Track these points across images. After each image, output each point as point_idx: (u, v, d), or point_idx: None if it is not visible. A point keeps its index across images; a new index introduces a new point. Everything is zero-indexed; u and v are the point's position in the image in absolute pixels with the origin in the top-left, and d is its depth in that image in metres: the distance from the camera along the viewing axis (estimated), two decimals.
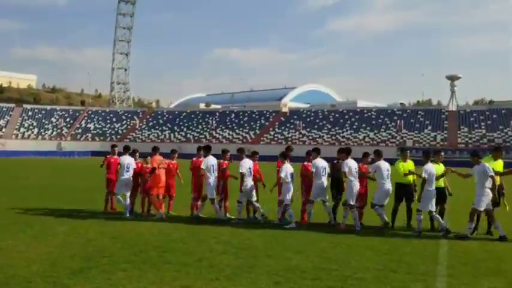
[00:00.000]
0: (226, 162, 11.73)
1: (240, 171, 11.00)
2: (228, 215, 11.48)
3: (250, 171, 11.13)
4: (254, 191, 11.21)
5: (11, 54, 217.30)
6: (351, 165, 10.64)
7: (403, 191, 10.97)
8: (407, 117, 69.10)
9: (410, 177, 11.04)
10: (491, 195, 9.54)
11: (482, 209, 9.57)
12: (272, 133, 72.44)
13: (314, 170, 10.93)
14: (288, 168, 10.84)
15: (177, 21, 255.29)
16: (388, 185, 10.71)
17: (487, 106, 74.94)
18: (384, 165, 10.81)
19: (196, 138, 74.78)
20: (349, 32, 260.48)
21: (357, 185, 10.64)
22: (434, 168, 10.31)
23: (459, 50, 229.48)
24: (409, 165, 11.09)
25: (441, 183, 10.62)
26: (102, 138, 77.22)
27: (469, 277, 6.60)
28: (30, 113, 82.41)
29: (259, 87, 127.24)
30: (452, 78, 72.16)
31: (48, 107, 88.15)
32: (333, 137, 68.17)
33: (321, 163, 11.07)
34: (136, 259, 7.17)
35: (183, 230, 9.75)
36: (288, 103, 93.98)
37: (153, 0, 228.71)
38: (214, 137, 74.43)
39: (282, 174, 10.75)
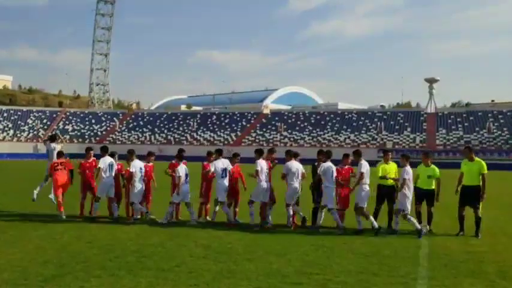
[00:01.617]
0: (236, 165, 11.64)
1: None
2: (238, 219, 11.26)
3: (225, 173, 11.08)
4: (224, 192, 11.08)
5: None
6: (326, 168, 10.53)
7: (385, 192, 10.95)
8: (387, 119, 69.88)
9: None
10: (367, 191, 10.33)
11: (364, 205, 10.24)
12: (253, 135, 72.35)
13: (285, 172, 10.79)
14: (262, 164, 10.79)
15: (159, 23, 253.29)
16: (368, 187, 10.64)
17: (465, 109, 76.35)
18: (410, 171, 10.44)
19: (177, 140, 74.18)
20: (331, 35, 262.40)
21: (333, 189, 10.53)
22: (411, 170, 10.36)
23: (438, 54, 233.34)
24: (392, 167, 11.06)
25: (424, 184, 10.65)
26: (80, 140, 75.93)
27: (450, 279, 6.58)
28: (5, 114, 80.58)
29: (241, 89, 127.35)
30: (431, 81, 73.27)
31: (24, 108, 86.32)
32: (314, 139, 68.46)
33: (295, 165, 10.84)
34: (112, 265, 6.93)
35: (162, 234, 9.52)
36: (270, 105, 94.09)
37: (134, 1, 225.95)
38: (195, 138, 73.97)
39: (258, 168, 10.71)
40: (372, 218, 10.25)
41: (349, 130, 68.92)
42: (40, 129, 78.01)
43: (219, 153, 11.47)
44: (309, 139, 68.82)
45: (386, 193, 10.85)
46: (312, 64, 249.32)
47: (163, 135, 75.83)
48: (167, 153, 65.20)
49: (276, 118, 75.56)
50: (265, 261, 7.41)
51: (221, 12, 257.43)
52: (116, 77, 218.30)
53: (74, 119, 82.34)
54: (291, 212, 10.79)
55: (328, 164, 10.62)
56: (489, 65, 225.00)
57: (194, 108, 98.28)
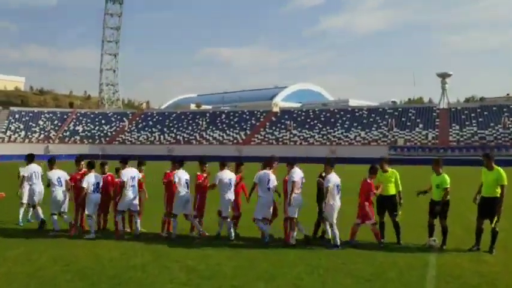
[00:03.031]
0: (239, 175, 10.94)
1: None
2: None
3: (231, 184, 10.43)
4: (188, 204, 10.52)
5: (1, 56, 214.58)
6: (262, 177, 9.92)
7: (385, 203, 10.15)
8: (399, 116, 68.55)
9: (392, 188, 10.16)
10: (300, 201, 9.71)
11: (295, 215, 9.64)
12: (263, 133, 71.61)
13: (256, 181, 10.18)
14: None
15: (167, 21, 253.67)
16: (338, 202, 9.74)
17: (478, 103, 74.62)
18: (336, 179, 9.79)
19: (186, 139, 73.81)
20: (341, 30, 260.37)
21: (266, 199, 9.89)
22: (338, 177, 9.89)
23: (450, 47, 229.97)
24: (390, 175, 10.25)
25: (435, 195, 9.85)
26: (90, 140, 76.03)
27: None
28: (17, 116, 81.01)
29: (251, 86, 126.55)
30: (443, 76, 71.81)
31: (36, 110, 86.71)
32: (324, 137, 67.48)
33: (266, 176, 10.02)
34: None
35: (147, 253, 8.83)
36: (279, 103, 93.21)
37: (141, 0, 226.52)
38: (204, 138, 73.49)
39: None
40: (300, 225, 9.75)
41: (359, 127, 67.74)
42: (51, 130, 78.22)
43: (224, 165, 10.75)
44: (318, 137, 67.85)
45: (387, 204, 10.06)
46: (322, 60, 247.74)
47: (173, 135, 75.49)
48: (176, 153, 65.31)
49: (286, 116, 74.68)
50: (253, 287, 6.71)
51: (230, 8, 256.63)
52: (126, 77, 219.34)
53: (84, 119, 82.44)
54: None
55: (265, 172, 10.00)
56: (503, 57, 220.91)
57: (204, 107, 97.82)
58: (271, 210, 10.14)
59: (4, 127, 77.36)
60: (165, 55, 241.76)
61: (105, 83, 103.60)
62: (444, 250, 9.34)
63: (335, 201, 9.61)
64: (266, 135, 70.99)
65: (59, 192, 10.96)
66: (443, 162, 10.27)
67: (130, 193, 10.60)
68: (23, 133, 76.94)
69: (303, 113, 75.36)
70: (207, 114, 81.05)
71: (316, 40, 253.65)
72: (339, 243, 9.38)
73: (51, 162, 11.34)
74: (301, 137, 68.66)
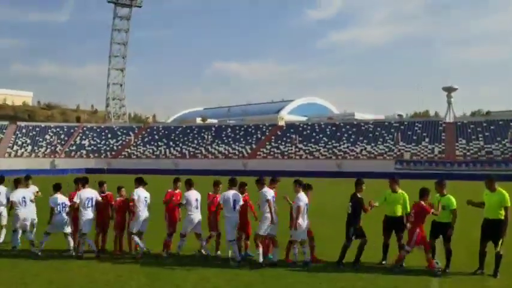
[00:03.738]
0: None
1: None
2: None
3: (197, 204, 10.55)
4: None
5: (11, 71, 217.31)
6: (227, 198, 9.94)
7: (392, 224, 9.99)
8: (405, 130, 68.23)
9: (399, 209, 10.05)
10: (269, 219, 9.56)
11: (262, 233, 9.60)
12: (268, 147, 71.50)
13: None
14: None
15: (175, 36, 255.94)
16: (306, 221, 9.75)
17: (485, 117, 74.19)
18: (305, 198, 9.79)
19: (192, 153, 73.85)
20: (347, 44, 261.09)
21: (233, 220, 9.94)
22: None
23: (456, 61, 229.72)
24: (399, 196, 10.07)
25: (399, 211, 9.80)
26: (96, 155, 76.29)
27: None
28: (24, 131, 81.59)
29: (258, 100, 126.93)
30: (449, 90, 71.52)
31: (43, 124, 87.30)
32: (330, 151, 67.22)
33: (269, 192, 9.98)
34: None
35: (143, 276, 8.71)
36: (285, 116, 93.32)
37: (149, 16, 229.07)
38: (210, 152, 73.50)
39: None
40: (260, 250, 9.56)
41: (365, 141, 67.45)
42: (58, 145, 78.64)
43: (190, 185, 10.77)
44: (324, 151, 67.62)
45: (394, 225, 9.91)
46: (329, 73, 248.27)
47: (178, 149, 75.59)
48: (182, 167, 65.34)
49: (291, 130, 74.61)
50: None
51: (236, 23, 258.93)
52: (133, 91, 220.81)
53: (91, 133, 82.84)
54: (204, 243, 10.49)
55: (232, 192, 10.02)
56: (510, 71, 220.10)
57: (209, 120, 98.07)
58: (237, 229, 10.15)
59: (11, 142, 77.89)
60: (172, 69, 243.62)
61: (111, 97, 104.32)
62: (447, 273, 9.13)
63: (304, 221, 9.68)
64: (271, 149, 70.87)
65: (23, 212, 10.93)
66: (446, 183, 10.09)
67: (142, 213, 10.62)
68: (29, 148, 77.38)
69: (309, 127, 75.26)
70: (213, 128, 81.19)
71: (322, 54, 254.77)
72: (309, 259, 9.63)
73: (17, 181, 11.43)
74: (307, 151, 68.46)
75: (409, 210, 9.92)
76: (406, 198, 10.07)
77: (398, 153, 63.31)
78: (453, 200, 9.59)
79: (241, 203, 10.06)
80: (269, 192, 9.84)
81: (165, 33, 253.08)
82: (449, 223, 9.49)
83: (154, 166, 65.21)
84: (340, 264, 9.63)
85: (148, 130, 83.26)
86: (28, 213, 10.99)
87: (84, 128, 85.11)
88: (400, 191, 10.14)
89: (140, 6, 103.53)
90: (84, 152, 77.49)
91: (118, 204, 11.04)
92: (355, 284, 8.27)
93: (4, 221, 12.03)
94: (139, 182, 10.91)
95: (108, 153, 76.78)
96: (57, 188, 10.97)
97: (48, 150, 77.42)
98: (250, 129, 78.03)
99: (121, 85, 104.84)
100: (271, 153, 70.01)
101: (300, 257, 9.77)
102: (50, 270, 9.10)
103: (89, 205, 10.62)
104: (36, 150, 77.04)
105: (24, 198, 11.01)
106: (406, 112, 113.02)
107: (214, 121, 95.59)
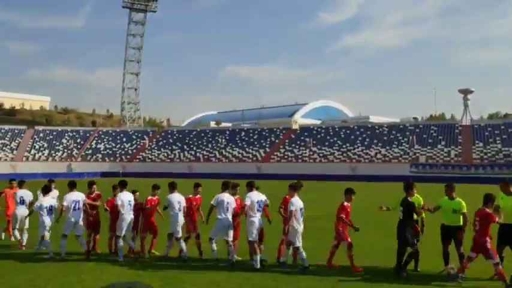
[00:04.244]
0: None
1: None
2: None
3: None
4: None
5: (28, 76, 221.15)
6: (220, 200, 10.18)
7: (449, 233, 9.50)
8: (420, 133, 67.51)
9: (457, 217, 9.46)
10: (257, 225, 9.75)
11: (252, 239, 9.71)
12: (282, 151, 71.37)
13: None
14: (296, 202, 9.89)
15: (189, 40, 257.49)
16: (302, 225, 9.80)
17: (502, 120, 72.97)
18: (299, 203, 9.82)
19: (206, 157, 74.10)
20: (361, 47, 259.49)
21: (226, 221, 10.12)
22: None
23: (472, 63, 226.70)
24: (455, 203, 9.51)
25: (450, 220, 9.49)
26: (112, 158, 77.03)
27: None
28: (41, 135, 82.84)
29: (271, 103, 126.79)
30: (465, 92, 70.50)
31: (59, 128, 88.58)
32: (344, 154, 66.81)
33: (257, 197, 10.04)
34: None
35: (156, 279, 8.71)
36: (299, 120, 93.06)
37: (163, 20, 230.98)
38: (224, 155, 73.65)
39: (292, 208, 9.70)
40: (258, 256, 9.59)
41: (380, 144, 66.91)
42: (74, 149, 79.64)
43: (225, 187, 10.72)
44: (338, 154, 67.24)
45: (451, 233, 9.44)
46: (343, 76, 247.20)
47: (192, 153, 75.92)
48: (196, 170, 65.63)
49: (305, 133, 74.38)
50: None
51: (250, 27, 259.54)
52: (147, 95, 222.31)
53: (106, 137, 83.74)
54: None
55: (226, 195, 10.20)
56: None
57: (223, 124, 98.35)
58: (230, 232, 10.20)
59: (29, 146, 79.13)
60: (186, 73, 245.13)
61: (127, 101, 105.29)
62: (463, 278, 8.95)
63: (299, 225, 9.67)
64: (285, 153, 70.73)
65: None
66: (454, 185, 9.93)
67: (127, 216, 10.75)
68: (46, 152, 78.51)
69: (323, 130, 74.95)
70: (227, 132, 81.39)
71: (336, 57, 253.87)
72: (307, 263, 9.55)
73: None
74: (321, 154, 68.15)
75: (424, 215, 9.79)
76: (420, 203, 9.88)
77: (413, 156, 62.61)
78: (463, 203, 9.45)
79: (234, 205, 10.24)
80: (296, 203, 9.80)
81: (179, 37, 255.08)
82: (460, 226, 9.34)
83: (168, 170, 65.52)
84: (402, 271, 9.14)
85: (163, 134, 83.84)
86: (78, 216, 10.95)
87: (100, 132, 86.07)
88: (416, 195, 9.95)
89: (155, 11, 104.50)
90: (99, 155, 78.32)
91: (111, 203, 11.18)
92: None
93: (26, 224, 12.17)
94: (123, 186, 11.08)
95: (123, 156, 77.47)
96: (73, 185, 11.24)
97: (65, 154, 78.44)
98: (264, 133, 78.00)
99: (136, 89, 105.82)
100: (285, 156, 69.86)
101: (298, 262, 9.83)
102: (62, 275, 9.16)
103: (77, 207, 10.78)
104: (53, 154, 78.13)
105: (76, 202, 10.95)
106: (421, 115, 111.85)
107: (228, 125, 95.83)
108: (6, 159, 74.03)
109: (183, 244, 10.61)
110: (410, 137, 66.09)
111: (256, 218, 9.85)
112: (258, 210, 9.91)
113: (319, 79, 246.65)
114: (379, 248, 11.92)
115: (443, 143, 64.16)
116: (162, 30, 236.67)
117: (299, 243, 9.60)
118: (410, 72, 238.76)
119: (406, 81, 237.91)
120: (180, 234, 10.58)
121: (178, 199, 10.74)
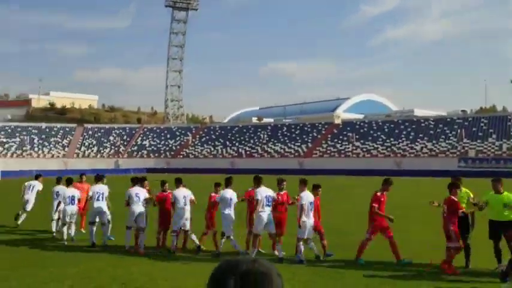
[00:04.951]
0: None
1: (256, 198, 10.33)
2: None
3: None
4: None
5: (76, 76, 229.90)
6: (306, 198, 10.03)
7: (498, 228, 9.19)
8: (469, 126, 64.98)
9: (506, 211, 9.13)
10: (265, 219, 9.85)
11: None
12: (324, 146, 70.70)
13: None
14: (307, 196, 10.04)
15: (230, 36, 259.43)
16: (312, 219, 9.88)
17: None
18: (309, 197, 9.94)
19: (248, 153, 74.52)
20: (406, 40, 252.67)
21: (229, 216, 10.49)
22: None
23: None
24: (463, 195, 9.57)
25: (499, 215, 9.11)
26: (156, 155, 78.90)
27: None
28: (90, 132, 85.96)
29: (313, 99, 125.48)
30: None
31: (107, 126, 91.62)
32: (388, 149, 65.35)
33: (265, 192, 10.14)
34: None
35: (203, 273, 8.86)
36: (342, 114, 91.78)
37: (205, 18, 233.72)
38: (266, 151, 73.81)
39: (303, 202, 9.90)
40: (254, 251, 9.85)
41: (425, 138, 64.93)
42: (121, 145, 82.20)
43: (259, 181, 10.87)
44: (382, 149, 65.83)
45: (501, 228, 9.11)
46: (386, 70, 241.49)
47: (235, 148, 76.54)
48: (238, 166, 66.14)
49: (348, 128, 73.29)
50: None
51: (291, 22, 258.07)
52: (190, 92, 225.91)
53: (151, 134, 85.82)
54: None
55: (228, 191, 10.52)
56: None
57: (265, 120, 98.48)
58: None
59: (79, 143, 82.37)
60: (227, 70, 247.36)
61: (170, 99, 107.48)
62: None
63: (308, 219, 9.75)
64: (328, 148, 70.02)
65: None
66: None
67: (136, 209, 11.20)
68: (95, 148, 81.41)
69: (366, 125, 73.59)
70: (269, 127, 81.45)
71: (379, 50, 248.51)
72: (303, 258, 9.70)
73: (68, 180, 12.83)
74: (364, 149, 66.97)
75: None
76: (470, 196, 9.61)
77: (462, 150, 60.40)
78: None
79: (236, 200, 10.63)
80: (306, 197, 9.98)
81: (220, 34, 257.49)
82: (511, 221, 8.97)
83: (211, 165, 66.48)
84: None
85: (206, 130, 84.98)
86: (138, 209, 11.26)
87: (145, 129, 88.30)
88: (464, 189, 9.66)
89: (196, 9, 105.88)
90: (145, 152, 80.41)
91: (159, 198, 11.47)
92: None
93: (67, 219, 12.61)
94: (135, 181, 11.57)
95: (168, 153, 79.16)
96: (69, 181, 12.67)
97: (112, 150, 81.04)
98: (306, 128, 77.51)
99: (179, 86, 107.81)
100: (328, 151, 69.16)
101: (309, 254, 9.95)
102: (113, 266, 9.50)
103: (100, 198, 11.82)
104: (102, 151, 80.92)
105: (138, 194, 11.28)
106: (470, 108, 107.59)
107: (270, 120, 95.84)
108: (58, 156, 77.44)
109: (193, 236, 11.01)
110: (459, 131, 63.75)
111: (265, 213, 9.97)
112: (266, 205, 10.00)
113: (361, 73, 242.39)
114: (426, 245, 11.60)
115: (494, 136, 61.47)
116: (204, 27, 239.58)
117: (305, 236, 9.80)
118: (456, 64, 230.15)
119: (452, 73, 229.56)
120: (187, 227, 10.95)
121: (183, 194, 11.02)
